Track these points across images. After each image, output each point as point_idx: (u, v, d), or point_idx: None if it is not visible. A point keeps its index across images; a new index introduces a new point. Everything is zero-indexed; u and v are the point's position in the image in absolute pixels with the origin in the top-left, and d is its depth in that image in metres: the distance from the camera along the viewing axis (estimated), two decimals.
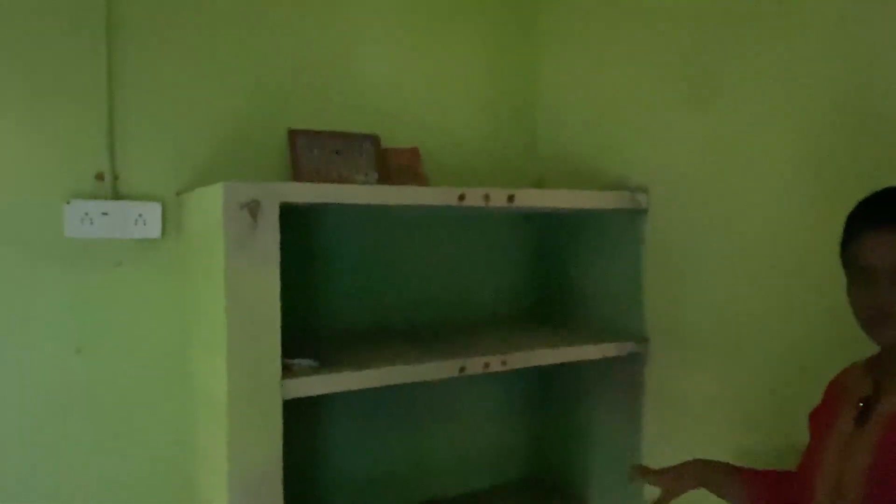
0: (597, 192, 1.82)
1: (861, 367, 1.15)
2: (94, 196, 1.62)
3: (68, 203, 1.59)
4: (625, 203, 1.82)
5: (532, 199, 1.69)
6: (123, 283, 1.67)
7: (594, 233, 2.01)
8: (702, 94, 1.69)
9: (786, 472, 1.29)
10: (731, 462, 1.38)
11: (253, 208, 1.32)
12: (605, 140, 1.98)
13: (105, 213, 1.61)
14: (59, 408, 1.61)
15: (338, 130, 1.87)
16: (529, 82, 2.24)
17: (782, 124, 1.52)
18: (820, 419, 1.19)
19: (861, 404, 1.08)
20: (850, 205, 1.11)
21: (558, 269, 2.15)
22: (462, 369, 1.58)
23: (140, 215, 1.65)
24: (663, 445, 1.81)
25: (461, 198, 1.56)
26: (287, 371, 1.40)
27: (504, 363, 1.64)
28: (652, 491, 1.48)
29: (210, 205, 1.40)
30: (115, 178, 1.65)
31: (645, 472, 1.42)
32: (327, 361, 1.51)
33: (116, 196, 1.65)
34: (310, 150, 1.81)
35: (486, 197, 1.59)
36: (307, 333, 1.85)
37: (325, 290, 1.90)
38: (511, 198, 1.62)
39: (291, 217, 1.48)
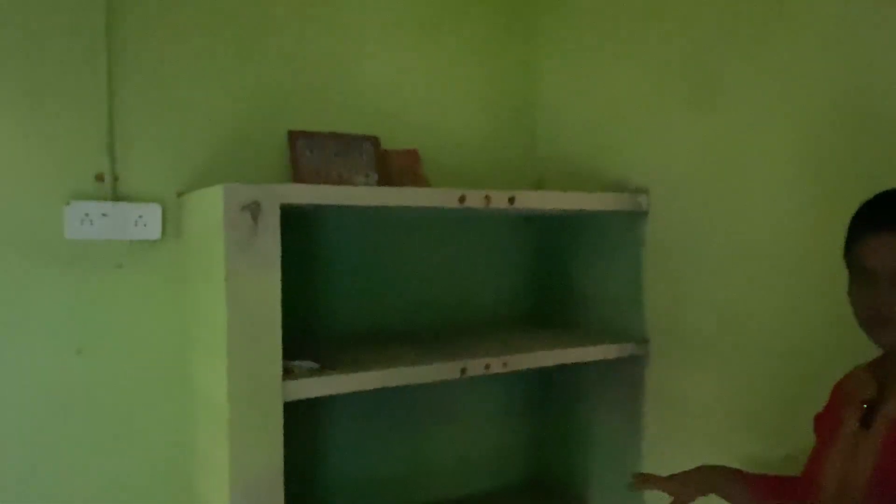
0: (597, 193, 1.82)
1: (865, 370, 1.15)
2: (94, 197, 1.62)
3: (68, 204, 1.58)
4: (625, 204, 1.82)
5: (532, 200, 1.69)
6: (123, 284, 1.66)
7: (594, 234, 2.01)
8: (702, 94, 1.69)
9: (792, 476, 1.29)
10: (737, 467, 1.38)
11: (254, 210, 1.32)
12: (605, 141, 1.98)
13: (105, 215, 1.61)
14: (60, 409, 1.61)
15: (338, 132, 1.86)
16: (529, 83, 2.24)
17: (782, 125, 1.52)
18: (825, 422, 1.19)
19: (865, 406, 1.08)
20: (850, 205, 1.11)
21: (559, 270, 2.15)
22: (463, 371, 1.58)
23: (140, 217, 1.65)
24: (664, 446, 1.81)
25: (462, 199, 1.56)
26: (288, 373, 1.40)
27: (505, 364, 1.64)
28: (653, 493, 1.48)
29: (210, 206, 1.40)
30: (115, 179, 1.65)
31: (649, 480, 1.42)
32: (328, 363, 1.51)
33: (116, 197, 1.64)
34: (310, 152, 1.81)
35: (487, 198, 1.59)
36: (308, 335, 1.85)
37: (326, 292, 1.90)
38: (512, 199, 1.62)
39: (292, 219, 1.48)
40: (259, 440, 1.35)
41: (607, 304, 1.97)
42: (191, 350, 1.66)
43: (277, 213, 1.34)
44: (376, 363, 1.53)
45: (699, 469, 1.36)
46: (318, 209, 1.62)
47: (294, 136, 1.80)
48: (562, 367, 1.89)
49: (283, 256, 1.35)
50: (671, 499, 1.37)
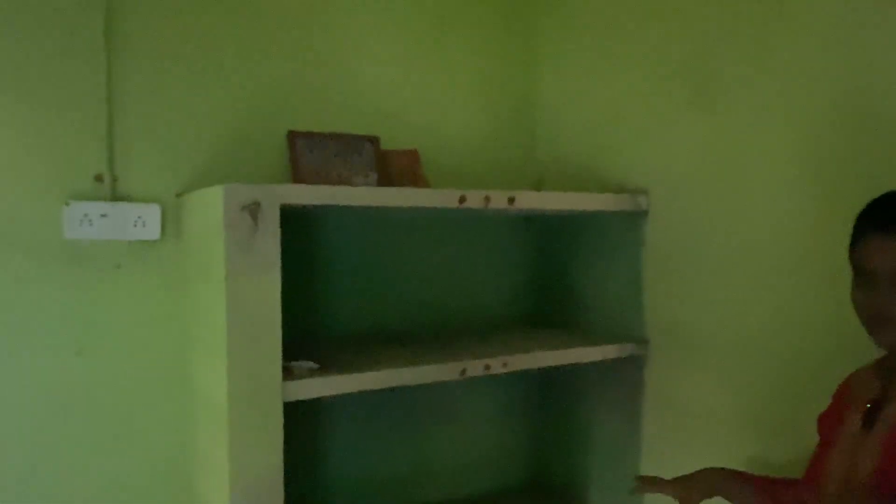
0: (597, 194, 1.82)
1: (869, 370, 1.16)
2: (93, 197, 1.62)
3: (67, 205, 1.58)
4: (625, 205, 1.82)
5: (532, 201, 1.69)
6: (123, 284, 1.66)
7: (594, 235, 2.01)
8: (701, 95, 1.69)
9: (795, 478, 1.29)
10: (737, 468, 1.38)
11: (253, 210, 1.32)
12: (604, 142, 1.98)
13: (104, 215, 1.61)
14: (60, 409, 1.61)
15: (338, 132, 1.86)
16: (529, 84, 2.24)
17: (782, 125, 1.52)
18: (828, 422, 1.19)
19: (869, 406, 1.08)
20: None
21: (558, 271, 2.15)
22: (463, 371, 1.58)
23: (139, 217, 1.65)
24: (663, 447, 1.81)
25: (462, 200, 1.56)
26: (287, 373, 1.40)
27: (505, 365, 1.64)
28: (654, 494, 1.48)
29: (210, 207, 1.40)
30: (115, 179, 1.65)
31: (652, 483, 1.41)
32: (328, 364, 1.51)
33: (115, 198, 1.64)
34: (309, 152, 1.80)
35: (487, 199, 1.59)
36: (307, 336, 1.84)
37: (326, 292, 1.90)
38: (512, 200, 1.62)
39: (292, 219, 1.48)
40: (259, 440, 1.35)
41: (607, 304, 1.97)
42: (191, 350, 1.66)
43: (277, 213, 1.34)
44: (376, 364, 1.53)
45: (702, 471, 1.36)
46: (318, 209, 1.62)
47: (294, 137, 1.80)
48: (561, 368, 1.89)
49: (283, 256, 1.35)
50: (674, 502, 1.37)
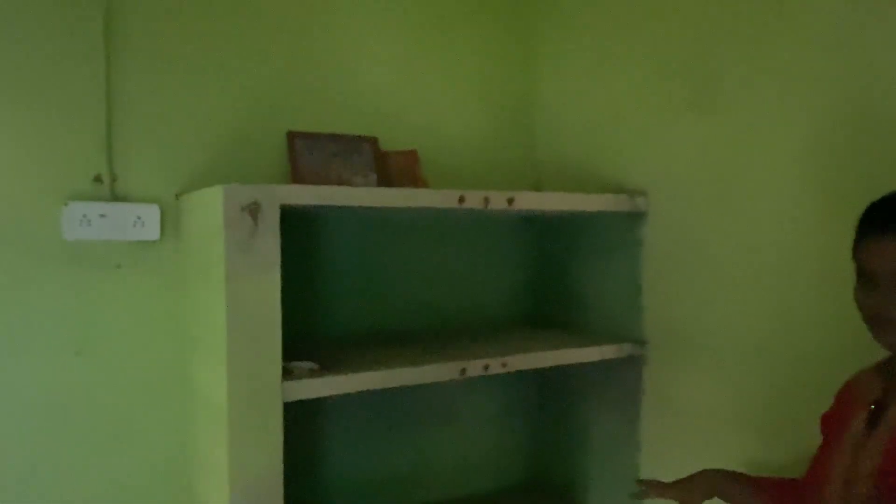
0: (596, 195, 1.82)
1: (873, 371, 1.16)
2: (92, 198, 1.62)
3: (66, 205, 1.58)
4: (624, 206, 1.82)
5: (531, 201, 1.69)
6: (122, 285, 1.66)
7: (593, 236, 2.01)
8: (701, 96, 1.69)
9: (795, 478, 1.29)
10: (736, 469, 1.38)
11: (253, 211, 1.32)
12: (604, 143, 1.98)
13: (103, 215, 1.61)
14: (59, 409, 1.61)
15: (337, 132, 1.86)
16: (528, 85, 2.24)
17: (782, 126, 1.52)
18: (832, 423, 1.20)
19: (873, 407, 1.09)
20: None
21: (557, 271, 2.15)
22: (462, 371, 1.58)
23: (138, 217, 1.65)
24: (662, 447, 1.81)
25: (461, 200, 1.56)
26: (287, 373, 1.40)
27: (504, 365, 1.64)
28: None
29: (210, 207, 1.40)
30: (114, 179, 1.65)
31: (653, 487, 1.42)
32: (327, 364, 1.51)
33: (115, 198, 1.64)
34: (309, 153, 1.80)
35: (486, 199, 1.59)
36: (307, 336, 1.85)
37: (326, 293, 1.90)
38: (511, 200, 1.63)
39: (291, 219, 1.48)
40: (259, 440, 1.35)
41: (606, 304, 1.97)
42: (190, 350, 1.66)
43: (277, 213, 1.34)
44: (376, 364, 1.53)
45: (702, 473, 1.36)
46: (317, 210, 1.62)
47: (293, 137, 1.80)
48: (560, 368, 1.89)
49: (282, 257, 1.35)
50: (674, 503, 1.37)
